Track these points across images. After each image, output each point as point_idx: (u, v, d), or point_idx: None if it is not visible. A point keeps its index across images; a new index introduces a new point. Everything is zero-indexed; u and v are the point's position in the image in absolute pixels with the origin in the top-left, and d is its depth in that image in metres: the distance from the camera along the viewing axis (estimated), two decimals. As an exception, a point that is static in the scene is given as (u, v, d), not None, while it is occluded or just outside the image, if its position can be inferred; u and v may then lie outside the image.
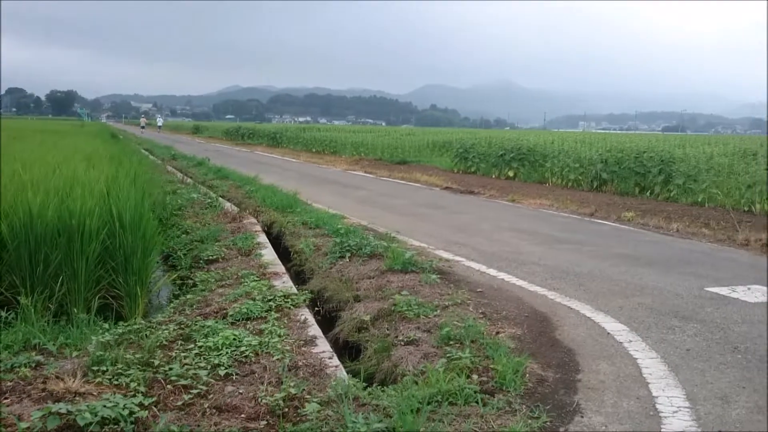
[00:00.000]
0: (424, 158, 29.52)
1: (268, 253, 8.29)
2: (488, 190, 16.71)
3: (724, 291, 6.82)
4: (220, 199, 13.17)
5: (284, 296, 6.12)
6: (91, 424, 3.37)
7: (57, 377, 4.05)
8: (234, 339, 4.83)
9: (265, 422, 3.58)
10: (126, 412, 3.54)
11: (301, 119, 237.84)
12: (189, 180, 17.55)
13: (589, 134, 40.83)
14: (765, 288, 7.01)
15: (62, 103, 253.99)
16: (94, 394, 3.86)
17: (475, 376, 4.17)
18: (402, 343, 5.15)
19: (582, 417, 3.76)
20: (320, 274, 7.62)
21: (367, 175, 22.00)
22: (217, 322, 5.28)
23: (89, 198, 6.55)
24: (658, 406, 3.93)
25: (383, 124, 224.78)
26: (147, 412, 3.58)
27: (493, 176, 21.75)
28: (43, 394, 3.77)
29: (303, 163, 27.81)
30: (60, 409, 3.46)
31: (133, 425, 3.47)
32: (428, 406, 3.72)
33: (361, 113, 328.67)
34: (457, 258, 8.23)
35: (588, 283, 7.09)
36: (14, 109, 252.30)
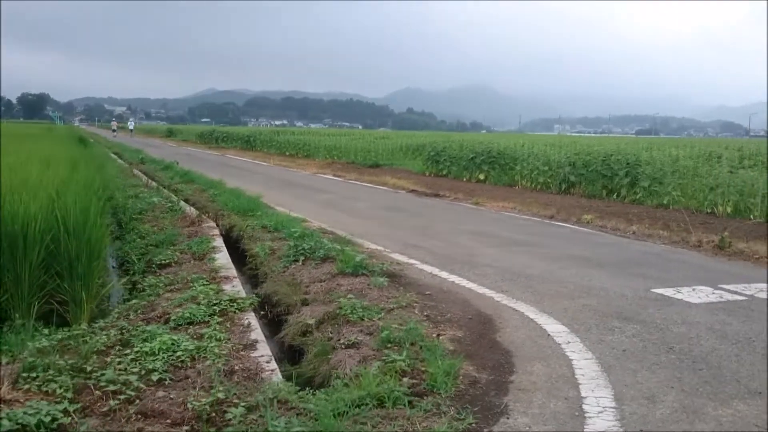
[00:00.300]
0: (397, 161, 29.56)
1: (222, 257, 8.26)
2: (455, 193, 16.79)
3: (669, 292, 6.92)
4: (182, 203, 13.07)
5: (230, 300, 6.10)
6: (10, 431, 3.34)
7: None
8: (172, 344, 4.80)
9: (188, 427, 3.57)
10: (48, 419, 3.52)
11: (277, 122, 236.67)
12: (153, 184, 17.41)
13: (563, 137, 41.17)
14: (709, 289, 7.13)
15: (34, 106, 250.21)
16: (21, 401, 3.82)
17: (406, 379, 4.19)
18: (343, 346, 5.16)
19: (508, 418, 3.80)
20: (273, 278, 7.61)
21: (336, 178, 21.99)
22: (158, 327, 5.26)
23: (33, 202, 6.47)
24: (584, 406, 3.99)
25: (360, 127, 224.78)
26: (70, 418, 3.55)
27: (464, 179, 21.84)
28: (-33, 402, 3.72)
29: (273, 167, 27.72)
30: (-21, 417, 3.42)
31: None
32: (356, 409, 3.74)
33: (338, 116, 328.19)
34: (412, 261, 8.27)
35: (537, 285, 7.16)
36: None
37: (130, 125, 78.10)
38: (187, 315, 5.58)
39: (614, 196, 16.46)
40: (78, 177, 9.39)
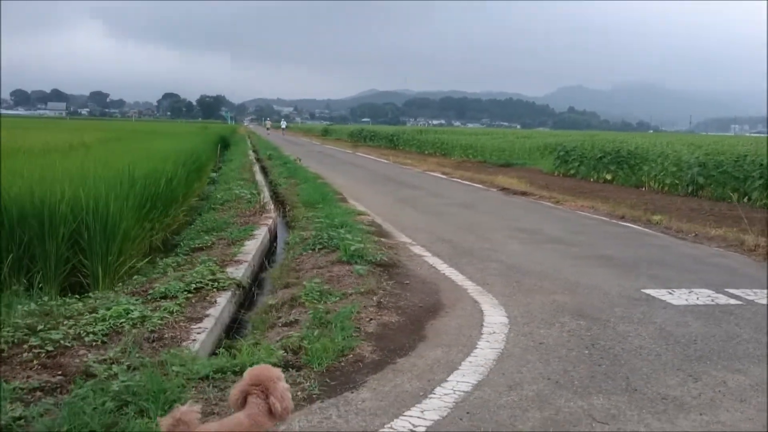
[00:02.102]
0: (532, 161, 29.17)
1: (251, 245, 8.86)
2: (551, 192, 16.44)
3: (659, 293, 6.66)
4: (262, 195, 13.96)
5: (213, 280, 6.65)
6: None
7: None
8: (123, 312, 5.40)
9: (63, 377, 4.11)
10: None
11: (435, 122, 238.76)
12: (258, 178, 18.60)
13: (738, 138, 38.23)
14: (710, 292, 6.77)
15: (211, 107, 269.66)
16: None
17: (281, 352, 4.52)
18: (281, 324, 5.56)
19: (352, 392, 4.02)
20: (281, 264, 8.12)
21: (442, 176, 22.17)
22: (129, 299, 5.89)
23: (68, 189, 7.40)
24: (461, 386, 4.12)
25: (518, 126, 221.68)
26: (-21, 363, 4.23)
27: (591, 179, 21.33)
28: None
29: (390, 164, 28.35)
30: None
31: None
32: (218, 374, 4.13)
33: (496, 116, 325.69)
34: (425, 254, 8.46)
35: (526, 280, 7.13)
36: (169, 113, 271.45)
37: (283, 124, 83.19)
38: (163, 290, 6.18)
39: (745, 199, 15.42)
40: (143, 170, 10.36)
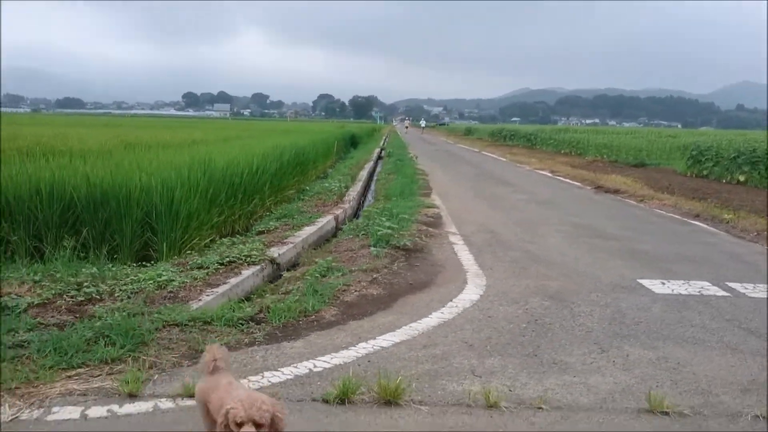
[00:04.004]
0: (670, 161, 28.15)
1: (308, 230, 9.85)
2: (662, 192, 16.15)
3: (652, 283, 6.94)
4: (349, 188, 15.02)
5: (248, 256, 7.69)
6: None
7: (16, 285, 6.15)
8: (156, 276, 6.55)
9: (76, 318, 5.25)
10: (25, 303, 5.47)
11: (587, 121, 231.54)
12: (362, 174, 19.72)
13: None
14: (705, 284, 6.93)
15: (363, 107, 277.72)
16: (22, 294, 5.86)
17: (248, 308, 5.43)
18: (279, 292, 6.48)
19: (296, 341, 4.85)
20: (323, 247, 9.06)
21: (547, 174, 22.21)
22: (165, 267, 7.04)
23: (144, 177, 8.76)
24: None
25: (678, 126, 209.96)
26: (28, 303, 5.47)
27: (723, 181, 20.30)
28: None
29: (504, 163, 28.59)
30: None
31: (24, 312, 5.35)
32: (195, 321, 5.11)
33: (655, 115, 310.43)
34: (458, 242, 9.06)
35: (533, 267, 7.59)
36: (323, 113, 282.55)
37: (422, 124, 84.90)
38: (199, 262, 7.30)
39: None
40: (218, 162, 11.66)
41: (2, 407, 3.63)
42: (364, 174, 19.90)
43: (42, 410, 3.62)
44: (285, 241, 8.96)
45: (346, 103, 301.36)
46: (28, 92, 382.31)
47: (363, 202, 15.26)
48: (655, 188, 17.23)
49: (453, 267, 7.55)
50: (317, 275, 6.89)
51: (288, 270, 7.95)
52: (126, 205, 8.42)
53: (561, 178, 20.77)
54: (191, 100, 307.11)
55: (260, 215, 12.48)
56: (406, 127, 77.13)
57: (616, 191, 16.49)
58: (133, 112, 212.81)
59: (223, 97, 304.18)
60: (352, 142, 36.62)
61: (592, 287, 6.72)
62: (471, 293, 6.38)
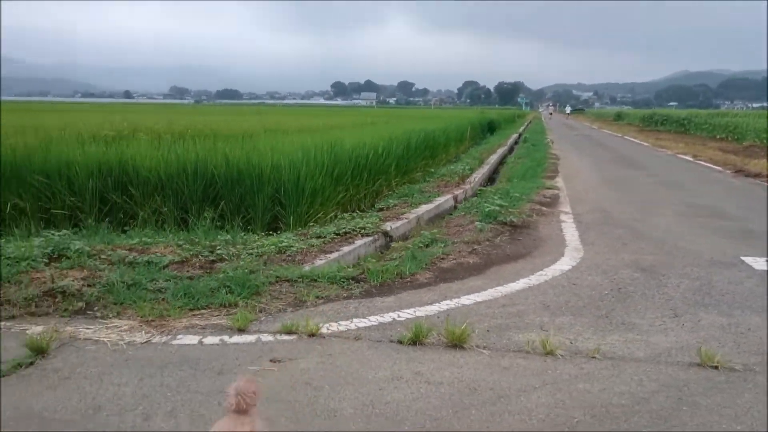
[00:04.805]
0: None
1: (424, 208, 10.42)
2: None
3: (757, 260, 6.92)
4: (474, 171, 15.43)
5: (362, 228, 8.37)
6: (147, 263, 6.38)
7: (162, 247, 7.19)
8: (278, 242, 7.38)
9: (205, 273, 6.13)
10: (167, 260, 6.44)
11: (755, 105, 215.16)
12: (492, 158, 20.01)
13: None
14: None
15: (509, 93, 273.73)
16: (165, 254, 6.86)
17: (351, 269, 6.08)
18: (385, 259, 7.10)
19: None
20: (436, 223, 9.60)
21: (687, 159, 21.39)
22: (287, 235, 7.87)
23: (274, 157, 9.69)
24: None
25: None
26: (169, 261, 6.44)
27: None
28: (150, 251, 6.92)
29: (644, 147, 27.70)
30: (135, 258, 6.53)
31: (165, 267, 6.31)
32: (296, 279, 5.84)
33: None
34: (567, 220, 9.28)
35: (633, 243, 7.75)
36: (468, 100, 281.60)
37: (567, 110, 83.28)
38: (318, 232, 8.08)
39: None
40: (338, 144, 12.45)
41: (137, 333, 4.50)
42: (494, 158, 20.17)
43: (169, 337, 4.45)
44: (400, 216, 9.58)
45: (492, 90, 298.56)
46: (192, 85, 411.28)
47: (487, 184, 15.60)
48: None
49: (555, 242, 7.84)
50: (420, 245, 7.44)
51: (399, 242, 8.56)
52: (258, 182, 9.35)
53: (702, 162, 19.97)
54: (339, 89, 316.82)
55: (385, 195, 13.20)
56: (550, 114, 76.00)
57: (756, 175, 15.73)
58: (284, 102, 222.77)
59: (369, 86, 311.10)
60: (490, 128, 36.70)
61: (688, 262, 6.80)
62: (564, 264, 6.69)
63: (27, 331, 4.41)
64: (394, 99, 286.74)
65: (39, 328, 4.44)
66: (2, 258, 5.93)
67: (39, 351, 4.05)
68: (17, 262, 5.87)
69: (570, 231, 8.49)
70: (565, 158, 20.23)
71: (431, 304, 5.29)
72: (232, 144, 11.25)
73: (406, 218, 9.52)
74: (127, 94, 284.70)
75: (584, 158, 20.84)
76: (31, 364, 3.93)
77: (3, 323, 4.66)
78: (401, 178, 14.21)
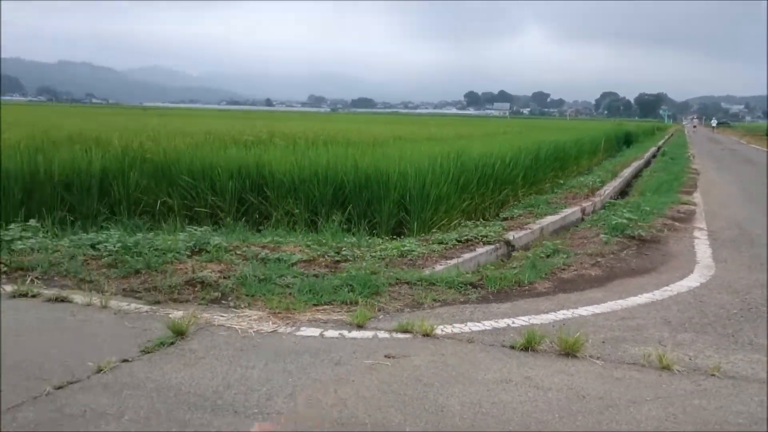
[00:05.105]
0: None
1: (550, 219, 10.33)
2: None
3: None
4: (604, 184, 15.07)
5: (485, 236, 8.44)
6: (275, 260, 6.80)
7: (292, 246, 7.61)
8: (400, 246, 7.61)
9: (328, 269, 6.43)
10: (296, 259, 6.83)
11: None
12: (626, 172, 19.39)
13: None
14: None
15: (650, 105, 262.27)
16: (295, 253, 7.26)
17: (469, 275, 6.18)
18: (505, 267, 7.14)
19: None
20: (562, 234, 9.49)
21: None
22: (410, 241, 8.08)
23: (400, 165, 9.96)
24: (564, 311, 5.35)
25: None
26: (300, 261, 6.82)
27: None
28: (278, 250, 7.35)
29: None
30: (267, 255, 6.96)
31: (294, 265, 6.71)
32: (424, 282, 6.02)
33: None
34: (700, 236, 8.92)
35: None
36: (606, 112, 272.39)
37: (713, 122, 79.01)
38: (439, 238, 8.22)
39: None
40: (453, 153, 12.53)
41: (265, 322, 4.84)
42: (627, 171, 19.54)
43: (293, 328, 4.75)
44: (524, 226, 9.56)
45: (632, 102, 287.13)
46: (328, 94, 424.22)
47: (618, 198, 15.16)
48: None
49: (685, 258, 7.57)
50: (542, 255, 7.42)
51: (520, 251, 8.56)
52: (385, 188, 9.64)
53: None
54: (472, 99, 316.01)
55: (511, 205, 13.16)
56: (694, 126, 72.23)
57: None
58: (418, 111, 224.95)
59: (503, 96, 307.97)
60: (626, 140, 35.49)
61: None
62: (692, 281, 6.47)
63: (170, 315, 4.87)
64: (528, 109, 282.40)
65: (179, 313, 4.87)
66: (152, 249, 6.55)
67: (179, 333, 4.47)
68: (164, 253, 6.44)
69: (702, 248, 8.15)
70: (705, 173, 19.30)
71: (547, 312, 5.30)
72: (362, 150, 11.64)
73: (529, 228, 9.48)
74: (268, 102, 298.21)
75: (726, 174, 19.76)
76: (172, 344, 4.34)
77: (150, 307, 5.17)
78: (528, 188, 14.10)
